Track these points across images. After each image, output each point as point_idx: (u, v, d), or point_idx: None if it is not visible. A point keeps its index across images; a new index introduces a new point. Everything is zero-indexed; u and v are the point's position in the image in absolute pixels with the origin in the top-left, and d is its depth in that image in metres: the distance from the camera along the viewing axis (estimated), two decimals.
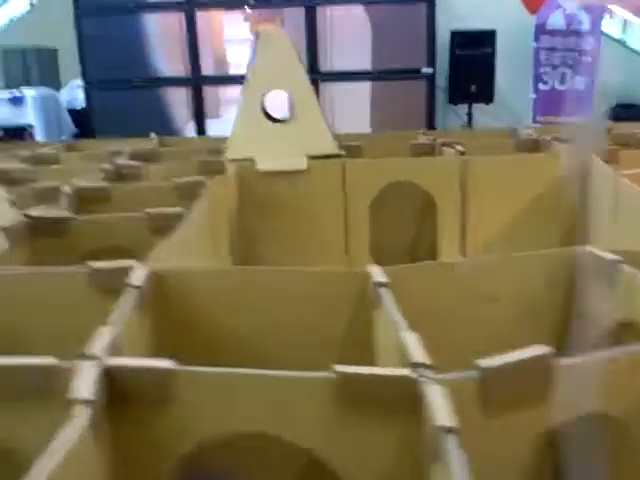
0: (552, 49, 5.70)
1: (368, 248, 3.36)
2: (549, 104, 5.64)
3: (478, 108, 5.49)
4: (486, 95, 5.43)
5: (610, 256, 1.65)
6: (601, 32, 5.69)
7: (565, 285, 1.76)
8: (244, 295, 1.71)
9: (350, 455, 1.21)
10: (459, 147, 3.36)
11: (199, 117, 5.10)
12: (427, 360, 1.21)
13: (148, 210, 2.30)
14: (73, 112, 5.53)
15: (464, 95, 5.45)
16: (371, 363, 1.70)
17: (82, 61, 5.04)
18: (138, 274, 1.68)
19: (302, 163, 3.29)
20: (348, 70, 4.57)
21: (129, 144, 3.94)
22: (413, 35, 4.97)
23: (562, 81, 5.72)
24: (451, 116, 5.57)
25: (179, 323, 1.73)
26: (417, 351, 1.25)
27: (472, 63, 5.33)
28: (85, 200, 2.74)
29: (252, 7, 5.06)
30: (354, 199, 3.28)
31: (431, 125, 5.23)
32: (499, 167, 3.29)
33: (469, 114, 5.56)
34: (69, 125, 5.39)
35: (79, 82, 5.53)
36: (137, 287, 1.60)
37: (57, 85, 5.68)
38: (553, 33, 5.65)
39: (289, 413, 1.21)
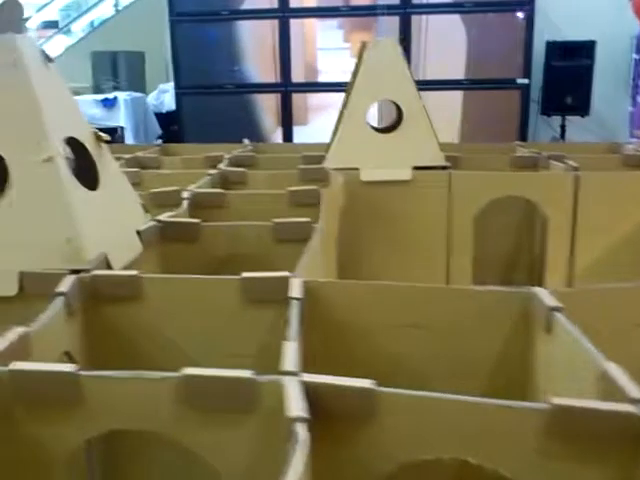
0: None
1: (470, 261, 3.30)
2: None
3: (571, 120, 5.36)
4: (582, 107, 5.29)
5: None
6: None
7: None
8: (404, 312, 1.68)
9: None
10: (571, 162, 3.26)
11: (287, 124, 5.13)
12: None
13: (276, 220, 2.29)
14: (159, 115, 5.64)
15: (558, 107, 5.30)
16: (536, 388, 1.64)
17: (175, 66, 5.12)
18: (296, 286, 1.66)
19: (407, 174, 3.25)
20: (441, 79, 4.52)
21: (224, 149, 3.97)
22: (509, 45, 4.88)
23: None
24: (543, 128, 5.45)
25: (333, 337, 1.71)
26: (630, 385, 1.19)
27: (568, 74, 5.18)
28: (201, 206, 2.75)
29: (346, 15, 5.05)
30: (459, 211, 3.23)
31: (523, 137, 5.14)
32: (613, 184, 3.18)
33: (562, 126, 5.44)
34: (155, 128, 5.48)
35: (166, 86, 5.64)
36: (299, 299, 1.59)
37: (142, 88, 5.79)
38: None
39: (496, 442, 1.17)
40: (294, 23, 5.05)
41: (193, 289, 1.78)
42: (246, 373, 1.22)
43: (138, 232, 2.17)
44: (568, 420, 1.13)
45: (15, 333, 1.41)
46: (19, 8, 2.28)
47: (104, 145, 2.21)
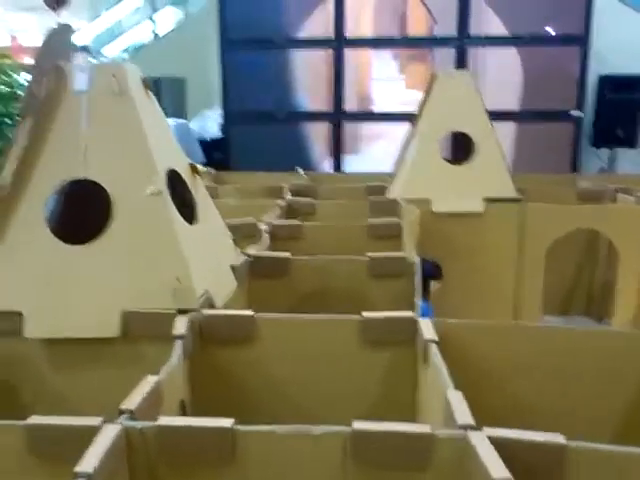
0: None
1: (541, 293, 3.22)
2: None
3: (619, 152, 5.33)
4: (632, 139, 5.26)
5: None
6: None
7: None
8: (537, 354, 1.60)
9: None
10: None
11: (337, 152, 5.06)
12: None
13: (370, 254, 2.23)
14: (202, 142, 5.61)
15: (608, 139, 5.32)
16: None
17: (224, 93, 5.09)
18: (428, 327, 1.59)
19: (479, 205, 3.19)
20: (497, 110, 4.47)
21: (278, 179, 3.93)
22: (564, 78, 4.85)
23: None
24: (591, 159, 5.41)
25: (458, 374, 1.63)
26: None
27: (620, 107, 5.17)
28: (278, 237, 2.69)
29: (402, 46, 5.03)
30: (531, 243, 3.15)
31: (574, 168, 5.08)
32: None
33: (611, 158, 5.40)
34: (199, 155, 5.45)
35: (210, 112, 5.62)
36: (436, 342, 1.51)
37: (184, 114, 5.77)
38: None
39: None
40: (349, 53, 5.04)
41: (309, 330, 1.70)
42: (424, 428, 1.14)
43: (232, 267, 2.11)
44: None
45: (148, 384, 1.34)
46: (70, 31, 2.23)
47: (198, 177, 2.16)
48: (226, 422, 1.17)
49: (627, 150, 5.17)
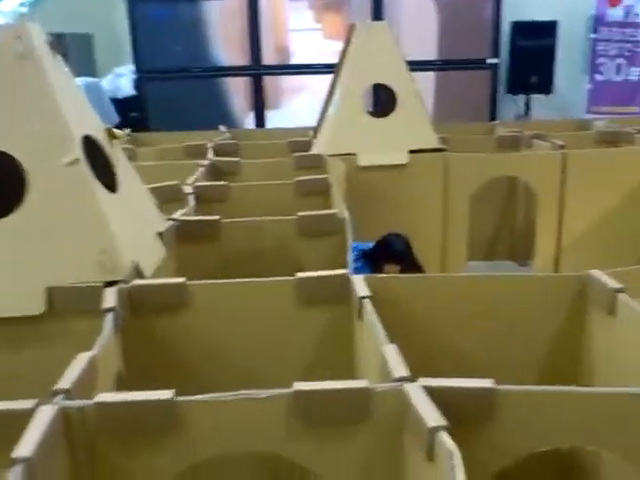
0: (609, 41, 5.71)
1: (466, 240, 3.31)
2: (604, 94, 5.65)
3: (534, 98, 5.47)
4: (545, 86, 5.33)
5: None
6: None
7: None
8: (466, 302, 1.65)
9: None
10: (557, 140, 3.32)
11: (259, 107, 4.94)
12: None
13: (300, 213, 2.21)
14: (114, 101, 5.34)
15: (523, 86, 5.35)
16: (595, 370, 1.65)
17: (135, 49, 4.81)
18: (360, 284, 1.60)
19: (403, 157, 3.22)
20: (415, 60, 4.47)
21: (201, 138, 3.82)
22: (478, 26, 4.89)
23: (618, 72, 5.75)
24: (507, 105, 5.52)
25: (399, 333, 1.67)
26: None
27: (533, 54, 5.22)
28: (205, 200, 2.64)
29: None
30: (455, 193, 3.22)
31: (492, 115, 5.19)
32: (597, 161, 3.25)
33: (527, 104, 5.57)
34: (113, 115, 5.21)
35: (122, 70, 5.34)
36: (369, 297, 1.53)
37: (93, 73, 5.46)
38: (611, 25, 5.64)
39: (611, 429, 1.17)
40: (263, 3, 4.86)
41: (243, 294, 1.69)
42: (361, 383, 1.16)
43: (160, 234, 2.05)
44: None
45: (81, 361, 1.29)
46: None
47: (116, 142, 2.07)
48: (166, 394, 1.15)
49: (542, 96, 5.32)
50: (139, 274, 1.79)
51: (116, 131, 2.03)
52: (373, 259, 2.48)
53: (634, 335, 1.48)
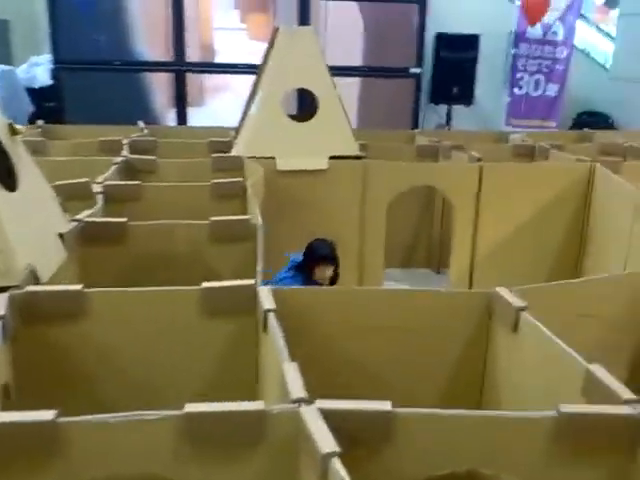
0: (529, 57, 5.91)
1: (383, 247, 3.33)
2: (523, 108, 5.85)
3: (456, 109, 5.64)
4: (466, 97, 5.48)
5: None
6: (573, 44, 5.94)
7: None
8: (370, 315, 1.64)
9: None
10: (474, 152, 3.39)
11: (181, 105, 4.83)
12: None
13: (212, 218, 2.16)
14: (30, 90, 5.07)
15: (445, 96, 5.46)
16: (500, 386, 1.69)
17: (53, 38, 4.59)
18: (267, 296, 1.57)
19: (323, 163, 3.21)
20: (340, 65, 4.49)
21: (118, 133, 3.68)
22: (403, 36, 4.95)
23: (536, 87, 5.92)
24: (430, 115, 5.63)
25: (301, 345, 1.65)
26: (618, 385, 1.25)
27: (455, 66, 5.35)
28: (115, 199, 2.54)
29: None
30: (373, 200, 3.23)
31: (415, 123, 5.27)
32: (512, 174, 3.34)
33: (448, 114, 5.71)
34: (27, 104, 4.95)
35: (39, 59, 5.08)
36: (274, 310, 1.50)
37: (8, 60, 5.18)
38: (531, 42, 5.78)
39: (508, 451, 1.18)
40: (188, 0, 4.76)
41: (145, 303, 1.62)
42: (257, 405, 1.13)
43: (61, 235, 1.95)
44: (576, 426, 1.18)
45: None
46: None
47: (18, 138, 1.96)
48: (47, 415, 1.08)
49: (463, 107, 5.45)
50: (35, 279, 1.70)
51: (18, 127, 1.91)
52: (304, 268, 2.45)
53: (535, 353, 1.51)
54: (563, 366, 1.37)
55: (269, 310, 1.49)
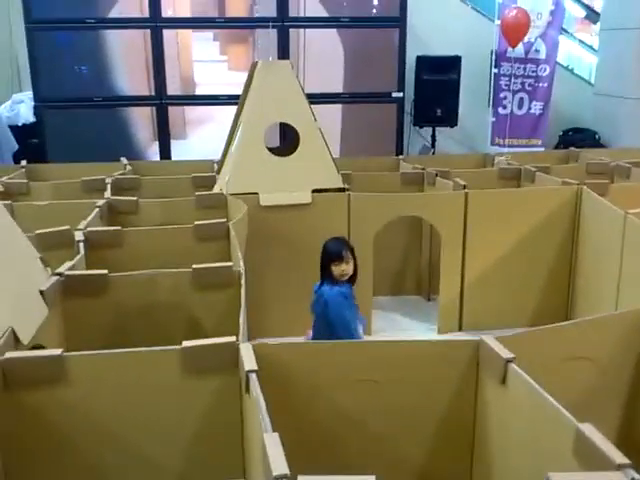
0: (511, 75, 5.86)
1: (371, 277, 3.31)
2: (507, 127, 5.89)
3: (440, 131, 5.70)
4: (450, 119, 5.42)
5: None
6: (556, 61, 5.88)
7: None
8: (357, 368, 1.62)
9: None
10: (458, 179, 3.38)
11: (163, 138, 4.85)
12: None
13: (195, 266, 2.14)
14: (13, 128, 5.05)
15: (429, 118, 5.43)
16: (489, 441, 1.66)
17: (34, 77, 4.55)
18: (248, 354, 1.55)
19: (307, 197, 3.20)
20: (321, 92, 4.49)
21: (101, 170, 3.66)
22: (384, 60, 4.95)
23: (520, 106, 5.91)
24: (415, 137, 5.64)
25: (288, 399, 1.62)
26: (611, 448, 1.22)
27: (438, 88, 5.31)
28: (97, 246, 2.51)
29: (222, 27, 4.83)
30: (359, 232, 3.21)
31: (400, 147, 5.28)
32: (499, 201, 3.33)
33: (433, 136, 5.63)
34: (11, 142, 4.92)
35: (21, 96, 5.07)
36: (256, 371, 1.48)
37: None
38: (513, 60, 5.77)
39: None
40: (168, 34, 4.77)
41: (126, 365, 1.59)
42: None
43: (42, 292, 1.92)
44: None
45: None
46: None
47: None
48: None
49: (448, 128, 5.46)
50: (16, 341, 1.68)
51: None
52: (323, 272, 2.55)
53: (524, 408, 1.47)
54: (553, 424, 1.34)
55: (251, 371, 1.47)
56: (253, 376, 1.46)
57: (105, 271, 2.10)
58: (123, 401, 1.59)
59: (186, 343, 1.61)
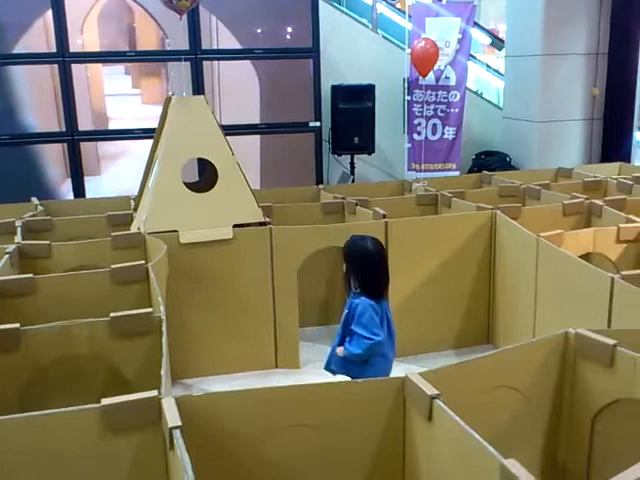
0: (424, 102, 6.06)
1: (297, 309, 3.29)
2: (423, 153, 6.03)
3: (359, 158, 5.75)
4: (368, 146, 5.53)
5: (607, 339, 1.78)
6: (466, 86, 6.12)
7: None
8: (282, 413, 1.59)
9: None
10: (378, 208, 3.43)
11: (76, 175, 4.63)
12: None
13: (114, 314, 2.06)
14: None
15: (347, 146, 5.50)
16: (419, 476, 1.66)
17: None
18: (171, 408, 1.49)
19: (228, 232, 3.15)
20: (238, 124, 4.48)
21: (10, 213, 3.49)
22: (300, 90, 5.01)
23: (434, 132, 6.09)
24: (335, 165, 5.70)
25: (214, 451, 1.57)
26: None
27: (354, 116, 5.42)
28: (7, 295, 2.38)
29: (133, 61, 4.76)
30: (282, 265, 3.20)
31: (320, 175, 5.31)
32: (418, 228, 3.40)
33: (352, 164, 5.73)
34: None
35: None
36: (179, 427, 1.42)
37: None
38: (424, 87, 5.93)
39: None
40: (77, 68, 4.61)
41: (40, 428, 1.50)
42: None
43: None
44: None
45: None
46: None
47: None
48: None
49: (366, 155, 5.57)
50: None
51: None
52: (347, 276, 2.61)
53: (451, 445, 1.48)
54: (479, 460, 1.35)
55: (174, 427, 1.41)
56: (177, 432, 1.40)
57: (17, 325, 1.99)
58: (36, 471, 1.49)
59: (105, 401, 1.53)
